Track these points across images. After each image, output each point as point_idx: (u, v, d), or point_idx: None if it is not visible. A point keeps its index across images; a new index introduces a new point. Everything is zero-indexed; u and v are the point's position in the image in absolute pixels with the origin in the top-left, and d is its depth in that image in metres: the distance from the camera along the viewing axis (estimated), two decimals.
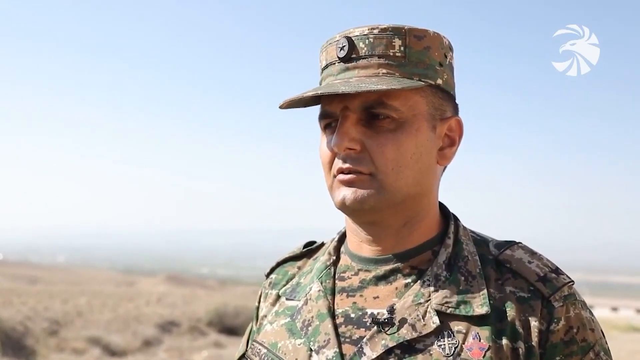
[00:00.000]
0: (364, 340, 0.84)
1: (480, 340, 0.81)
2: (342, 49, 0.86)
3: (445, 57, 0.89)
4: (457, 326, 0.82)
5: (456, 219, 0.95)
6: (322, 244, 1.04)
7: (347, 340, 0.85)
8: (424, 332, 0.82)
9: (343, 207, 0.87)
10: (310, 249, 1.05)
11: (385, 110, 0.83)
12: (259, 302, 1.05)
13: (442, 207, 0.96)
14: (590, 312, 0.88)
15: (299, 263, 1.04)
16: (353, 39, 0.86)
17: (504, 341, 0.81)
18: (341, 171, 0.86)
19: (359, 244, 0.93)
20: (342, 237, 1.00)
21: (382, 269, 0.89)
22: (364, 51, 0.85)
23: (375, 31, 0.85)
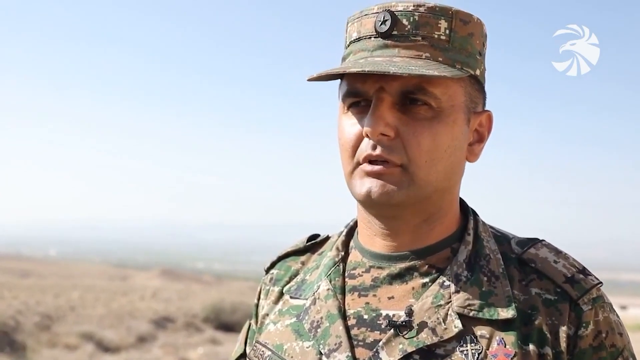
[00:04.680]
0: (380, 344, 0.78)
1: (505, 346, 0.76)
2: (383, 22, 0.79)
3: (484, 46, 0.85)
4: (481, 331, 0.77)
5: (475, 214, 0.89)
6: (327, 238, 0.98)
7: (361, 343, 0.79)
8: (445, 337, 0.77)
9: (367, 199, 0.80)
10: (314, 243, 0.98)
11: (425, 97, 0.78)
12: (259, 299, 0.98)
13: (460, 201, 0.90)
14: (617, 315, 0.84)
15: (303, 258, 0.97)
16: (396, 14, 0.79)
17: (531, 347, 0.76)
18: (369, 159, 0.79)
19: (372, 237, 0.86)
20: (351, 231, 0.93)
21: (396, 267, 0.83)
22: (407, 29, 0.79)
23: (422, 9, 0.79)
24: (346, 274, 0.87)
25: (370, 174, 0.79)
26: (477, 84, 0.83)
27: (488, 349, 0.76)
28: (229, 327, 12.99)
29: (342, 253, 0.90)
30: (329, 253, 0.92)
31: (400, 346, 0.77)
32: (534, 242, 0.86)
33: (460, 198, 0.90)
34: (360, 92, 0.80)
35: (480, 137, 0.86)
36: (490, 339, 0.76)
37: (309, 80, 0.81)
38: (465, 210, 0.90)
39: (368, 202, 0.81)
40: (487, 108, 0.87)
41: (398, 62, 0.77)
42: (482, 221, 0.89)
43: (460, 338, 0.77)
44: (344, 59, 0.86)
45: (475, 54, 0.82)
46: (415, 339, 0.77)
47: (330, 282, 0.86)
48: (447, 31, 0.79)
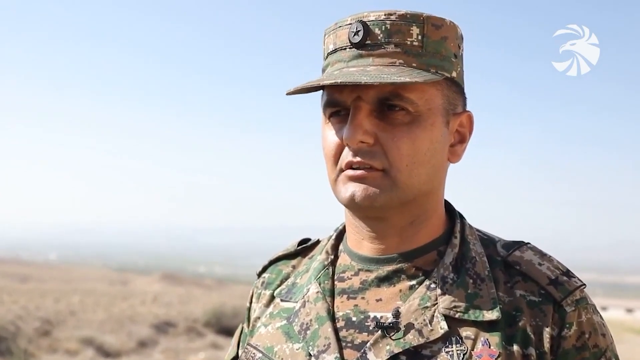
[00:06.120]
0: (368, 345, 0.79)
1: (490, 347, 0.77)
2: (356, 33, 0.81)
3: (459, 48, 0.86)
4: (466, 332, 0.79)
5: (462, 218, 0.91)
6: (318, 242, 1.00)
7: (349, 345, 0.81)
8: (431, 338, 0.78)
9: (351, 203, 0.82)
10: (305, 247, 1.00)
11: (402, 102, 0.79)
12: (251, 303, 1.00)
13: (447, 205, 0.92)
14: (601, 317, 0.86)
15: (294, 262, 0.99)
16: (368, 24, 0.80)
17: (515, 347, 0.78)
18: (351, 165, 0.81)
19: (360, 241, 0.88)
20: (340, 235, 0.95)
21: (384, 270, 0.85)
22: (379, 38, 0.80)
23: (393, 17, 0.81)
24: (335, 277, 0.89)
25: (352, 179, 0.81)
26: (455, 85, 0.84)
27: (473, 350, 0.77)
28: (230, 331, 12.92)
29: (332, 256, 0.91)
30: (319, 257, 0.93)
31: (388, 347, 0.78)
32: (519, 245, 0.87)
33: (447, 201, 0.91)
34: (339, 102, 0.82)
35: (462, 138, 0.87)
36: (475, 340, 0.78)
37: (287, 94, 0.82)
38: (452, 213, 0.91)
39: (352, 206, 0.83)
40: (468, 108, 0.88)
41: (371, 71, 0.78)
42: (468, 224, 0.90)
43: (446, 339, 0.78)
44: (323, 70, 0.87)
45: (450, 56, 0.83)
46: (402, 340, 0.78)
47: (320, 285, 0.88)
48: (420, 37, 0.81)
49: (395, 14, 0.81)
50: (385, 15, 0.81)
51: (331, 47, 0.85)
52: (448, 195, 0.92)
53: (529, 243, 0.88)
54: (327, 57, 0.86)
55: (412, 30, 0.80)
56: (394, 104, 0.79)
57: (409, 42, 0.80)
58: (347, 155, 0.81)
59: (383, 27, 0.80)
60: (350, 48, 0.82)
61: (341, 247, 0.93)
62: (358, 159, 0.80)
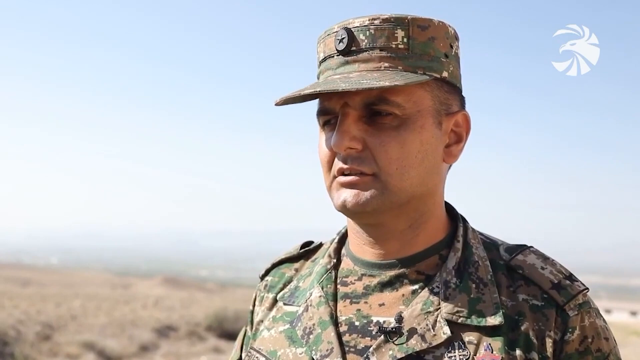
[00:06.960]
0: (370, 350, 0.80)
1: (492, 352, 0.77)
2: (341, 41, 0.82)
3: (451, 47, 0.85)
4: (468, 336, 0.79)
5: (464, 221, 0.90)
6: (320, 245, 1.00)
7: (352, 349, 0.81)
8: (434, 343, 0.78)
9: (344, 209, 0.83)
10: (307, 250, 1.00)
11: (388, 106, 0.79)
12: (254, 306, 1.00)
13: (449, 208, 0.91)
14: (604, 320, 0.85)
15: (296, 265, 0.99)
16: (353, 30, 0.81)
17: (518, 352, 0.78)
18: (342, 172, 0.82)
19: (361, 246, 0.88)
20: (343, 239, 0.95)
21: (386, 274, 0.85)
22: (364, 43, 0.81)
23: (377, 22, 0.81)
24: (338, 281, 0.89)
25: (344, 185, 0.81)
26: (447, 85, 0.84)
27: (475, 355, 0.77)
28: (232, 335, 12.91)
29: (334, 260, 0.92)
30: (322, 260, 0.93)
31: (390, 352, 0.78)
32: (522, 248, 0.87)
33: (450, 204, 0.91)
34: (328, 109, 0.83)
35: (458, 138, 0.86)
36: (477, 345, 0.78)
37: (276, 105, 0.83)
38: (455, 217, 0.91)
39: (345, 212, 0.83)
40: (467, 109, 0.87)
41: (353, 77, 0.79)
42: (471, 228, 0.90)
43: (448, 344, 0.78)
44: (317, 78, 0.88)
45: (439, 57, 0.82)
46: (404, 345, 0.78)
47: (322, 289, 0.88)
48: (405, 39, 0.80)
49: (379, 18, 0.81)
50: (369, 20, 0.81)
51: (322, 55, 0.86)
52: (448, 197, 0.91)
53: (531, 247, 0.88)
54: (319, 66, 0.87)
55: (397, 33, 0.80)
56: (380, 109, 0.79)
57: (394, 46, 0.80)
58: (338, 162, 0.82)
59: (367, 32, 0.80)
60: (337, 55, 0.82)
61: (344, 251, 0.93)
62: (348, 165, 0.80)
